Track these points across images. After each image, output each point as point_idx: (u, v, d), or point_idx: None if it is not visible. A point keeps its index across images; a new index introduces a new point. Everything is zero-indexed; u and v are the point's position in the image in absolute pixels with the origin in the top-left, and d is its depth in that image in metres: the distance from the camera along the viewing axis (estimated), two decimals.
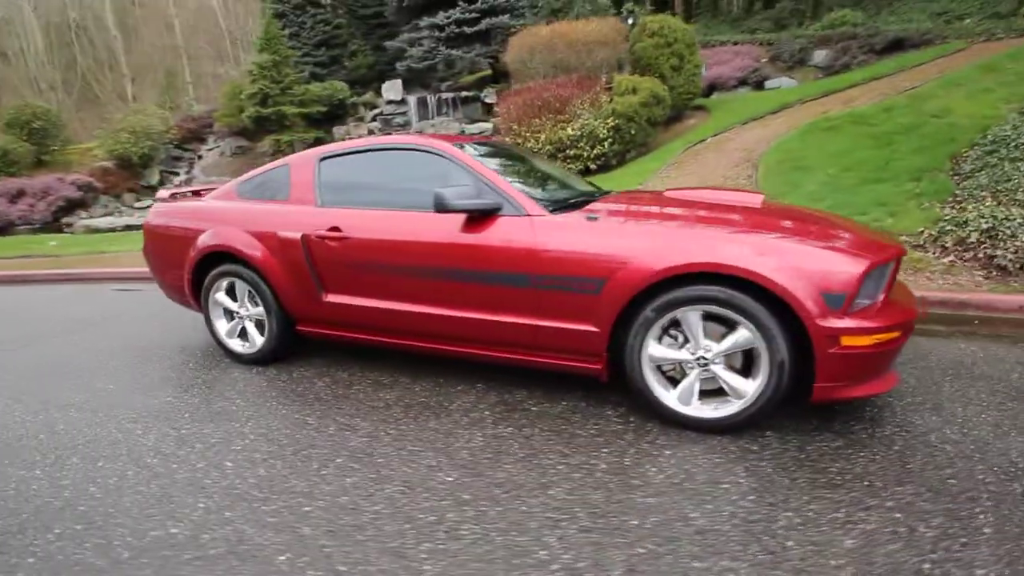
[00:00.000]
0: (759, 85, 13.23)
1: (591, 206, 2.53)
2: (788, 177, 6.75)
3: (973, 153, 5.91)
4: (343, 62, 18.84)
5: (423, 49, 16.05)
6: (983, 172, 5.40)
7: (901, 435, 2.14)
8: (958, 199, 5.31)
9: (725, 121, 9.82)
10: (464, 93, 16.05)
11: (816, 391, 2.07)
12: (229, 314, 3.31)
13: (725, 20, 17.17)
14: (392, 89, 16.02)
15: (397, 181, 2.84)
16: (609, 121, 8.97)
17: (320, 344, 3.44)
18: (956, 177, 5.79)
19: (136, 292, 5.55)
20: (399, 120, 15.82)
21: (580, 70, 10.56)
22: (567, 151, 9.22)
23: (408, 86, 16.99)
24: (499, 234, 2.43)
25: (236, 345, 3.30)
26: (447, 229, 2.56)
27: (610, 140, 9.05)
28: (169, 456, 2.25)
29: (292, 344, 3.22)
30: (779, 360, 2.04)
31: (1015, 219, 4.36)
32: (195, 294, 3.34)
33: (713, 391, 2.25)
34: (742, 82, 13.49)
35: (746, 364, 2.20)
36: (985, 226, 4.28)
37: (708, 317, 2.16)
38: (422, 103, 15.70)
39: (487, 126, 13.70)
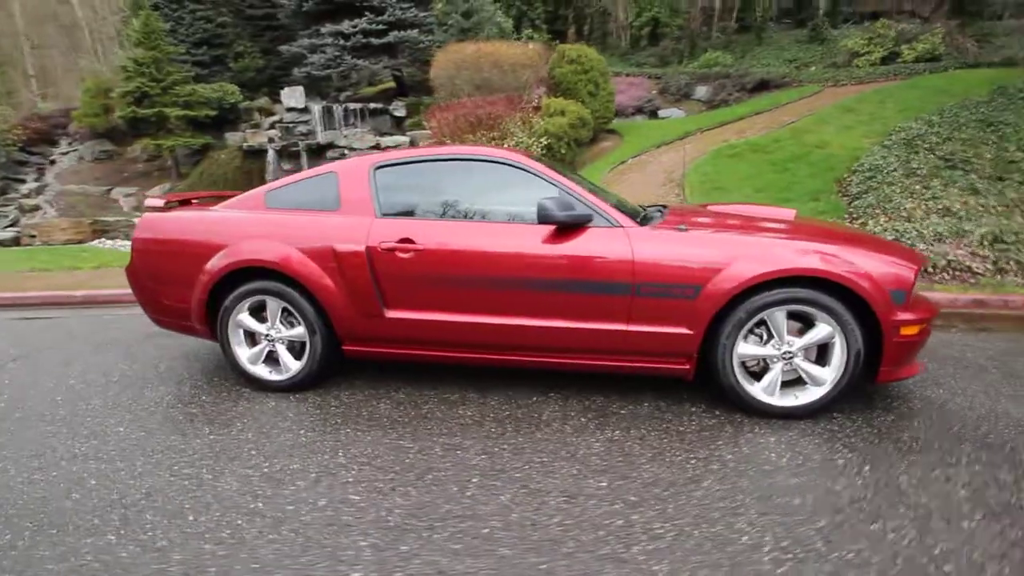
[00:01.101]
0: (653, 114, 14.63)
1: (668, 219, 2.73)
2: (712, 196, 7.60)
3: (855, 179, 7.15)
4: (227, 63, 17.31)
5: (326, 56, 15.35)
6: (869, 194, 6.57)
7: (929, 404, 2.60)
8: (854, 216, 6.43)
9: (638, 145, 10.73)
10: (372, 105, 15.59)
11: (881, 374, 2.45)
12: (251, 337, 2.96)
13: (615, 53, 18.72)
14: (293, 96, 15.05)
15: (467, 191, 2.80)
16: (542, 140, 9.35)
17: (340, 367, 3.19)
18: (845, 198, 6.98)
19: (55, 319, 4.63)
20: (301, 129, 14.87)
21: (505, 90, 10.88)
22: None
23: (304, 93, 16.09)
24: (595, 244, 2.52)
25: (262, 372, 2.96)
26: (531, 239, 2.59)
27: (541, 159, 9.40)
28: (274, 497, 1.99)
29: (333, 368, 2.97)
30: (856, 350, 2.39)
31: (910, 231, 5.41)
32: (206, 317, 2.94)
33: (788, 382, 2.54)
34: (638, 110, 14.82)
35: (819, 356, 2.52)
36: (890, 238, 5.24)
37: (788, 316, 2.46)
38: (327, 112, 14.95)
39: (404, 139, 13.45)
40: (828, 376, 2.45)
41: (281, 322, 2.90)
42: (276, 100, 16.18)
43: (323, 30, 15.08)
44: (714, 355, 2.51)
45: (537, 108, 9.93)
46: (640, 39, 18.50)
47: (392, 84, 18.08)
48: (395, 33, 15.32)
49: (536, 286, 2.58)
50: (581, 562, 1.63)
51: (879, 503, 1.89)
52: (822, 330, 2.42)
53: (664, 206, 3.20)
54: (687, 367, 2.58)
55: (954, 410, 2.57)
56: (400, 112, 16.09)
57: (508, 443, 2.35)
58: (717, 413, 2.59)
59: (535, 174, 2.71)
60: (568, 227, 2.55)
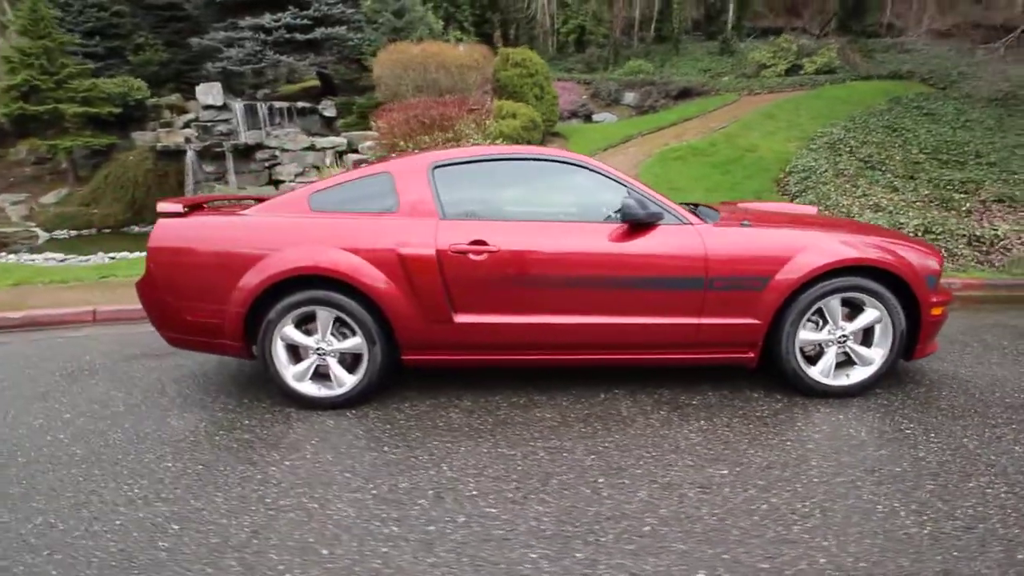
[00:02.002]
0: (588, 118, 15.13)
1: (726, 216, 2.87)
2: (670, 196, 8.01)
3: (792, 179, 7.85)
4: (126, 56, 15.61)
5: (244, 51, 14.32)
6: (808, 192, 7.25)
7: (945, 377, 2.95)
8: None
9: (584, 147, 11.04)
10: (300, 104, 14.75)
11: (916, 352, 2.74)
12: (294, 352, 2.72)
13: (543, 58, 19.11)
14: (210, 93, 13.83)
15: (529, 191, 2.77)
16: (497, 142, 9.35)
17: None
18: (786, 196, 7.67)
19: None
20: (221, 128, 13.70)
21: (452, 91, 10.76)
22: None
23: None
24: (671, 241, 2.60)
25: (311, 389, 2.72)
26: (602, 238, 2.61)
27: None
28: (405, 519, 1.85)
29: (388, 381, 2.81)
30: (900, 330, 2.66)
31: None
32: (244, 333, 2.65)
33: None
34: (573, 114, 15.24)
35: (864, 339, 2.77)
36: None
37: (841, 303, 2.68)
38: (250, 111, 13.91)
39: (340, 140, 12.84)
40: (877, 356, 2.70)
41: (334, 334, 2.70)
42: (188, 97, 14.84)
43: (241, 23, 14.06)
44: (777, 342, 2.68)
45: (487, 110, 9.92)
46: (567, 45, 19.06)
47: (316, 82, 17.25)
48: (322, 29, 14.63)
49: (610, 284, 2.61)
50: (758, 547, 1.68)
51: (962, 464, 2.12)
52: (871, 314, 2.66)
53: (697, 204, 3.35)
54: (752, 355, 2.73)
55: (967, 379, 2.93)
56: (330, 112, 15.38)
57: (608, 441, 2.36)
58: (779, 397, 2.76)
59: (601, 174, 2.73)
60: (643, 225, 2.60)
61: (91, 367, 3.43)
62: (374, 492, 2.02)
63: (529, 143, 10.13)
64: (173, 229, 2.70)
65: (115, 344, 3.88)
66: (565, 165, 2.77)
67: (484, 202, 2.73)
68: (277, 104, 14.56)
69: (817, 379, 2.71)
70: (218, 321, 2.66)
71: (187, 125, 13.79)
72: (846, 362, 2.76)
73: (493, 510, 1.90)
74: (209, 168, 12.84)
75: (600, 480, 2.07)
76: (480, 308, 2.64)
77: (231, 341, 2.70)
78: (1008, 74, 10.22)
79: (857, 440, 2.32)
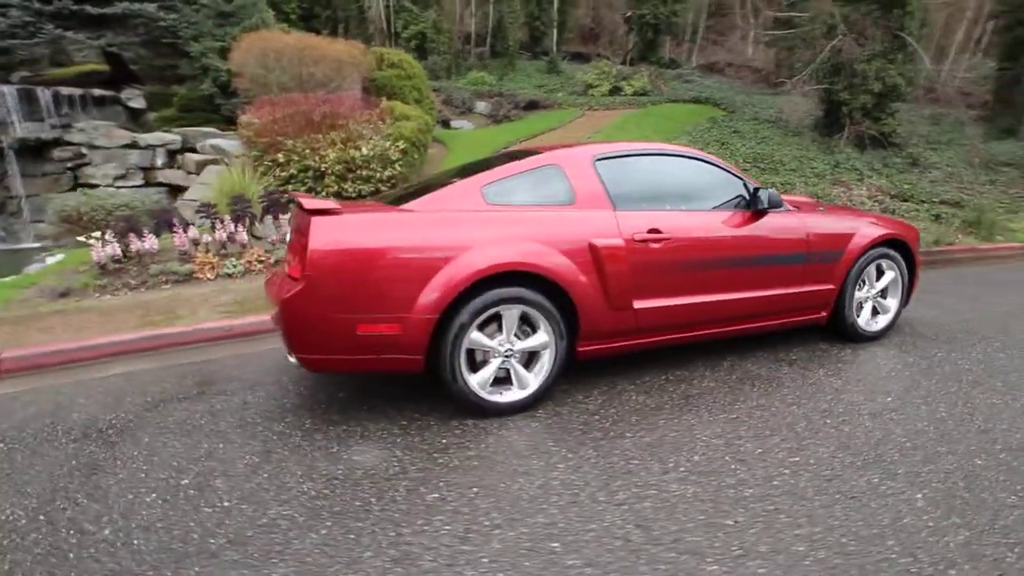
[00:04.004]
0: (446, 124, 15.29)
1: (802, 202, 3.51)
2: None
3: None
4: None
5: (7, 21, 11.03)
6: None
7: (930, 318, 4.07)
8: None
9: (469, 152, 11.27)
10: (98, 92, 11.88)
11: (910, 298, 3.74)
12: (471, 359, 2.52)
13: None
14: None
15: (674, 183, 3.02)
16: (399, 144, 9.04)
17: None
18: None
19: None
20: None
21: (327, 87, 9.97)
22: (359, 171, 8.75)
23: None
24: (784, 223, 3.13)
25: (494, 396, 2.55)
26: (739, 224, 3.02)
27: (400, 163, 9.12)
28: (810, 501, 1.99)
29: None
30: (905, 284, 3.61)
31: None
32: (429, 342, 2.37)
33: None
34: None
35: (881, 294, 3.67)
36: None
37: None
38: (26, 98, 10.71)
39: (173, 137, 10.73)
40: (893, 305, 3.62)
41: (516, 333, 2.57)
42: None
43: None
44: (841, 302, 3.41)
45: (384, 111, 9.48)
46: (407, 51, 18.86)
47: (97, 66, 14.08)
48: (124, 4, 12.08)
49: (746, 262, 3.04)
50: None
51: (991, 381, 3.03)
52: (889, 275, 3.57)
53: None
54: (825, 315, 3.42)
55: (944, 319, 4.03)
56: (137, 103, 12.79)
57: (799, 405, 2.73)
58: (842, 346, 3.49)
59: (723, 168, 3.13)
60: (763, 212, 3.07)
61: (123, 427, 2.58)
62: (684, 468, 2.09)
63: (425, 146, 9.97)
64: (340, 229, 2.26)
65: (90, 398, 2.93)
66: (697, 161, 3.10)
67: (641, 193, 2.89)
68: (65, 91, 11.55)
69: (863, 327, 3.52)
70: (397, 332, 2.32)
71: None
72: (874, 312, 3.64)
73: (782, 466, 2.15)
74: None
75: (839, 457, 2.46)
76: (654, 293, 2.80)
77: (410, 354, 2.38)
78: (776, 103, 13.55)
79: (922, 376, 3.15)
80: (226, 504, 1.93)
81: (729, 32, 25.84)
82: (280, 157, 8.37)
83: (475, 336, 2.45)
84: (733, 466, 2.10)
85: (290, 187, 8.48)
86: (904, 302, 3.68)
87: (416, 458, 2.21)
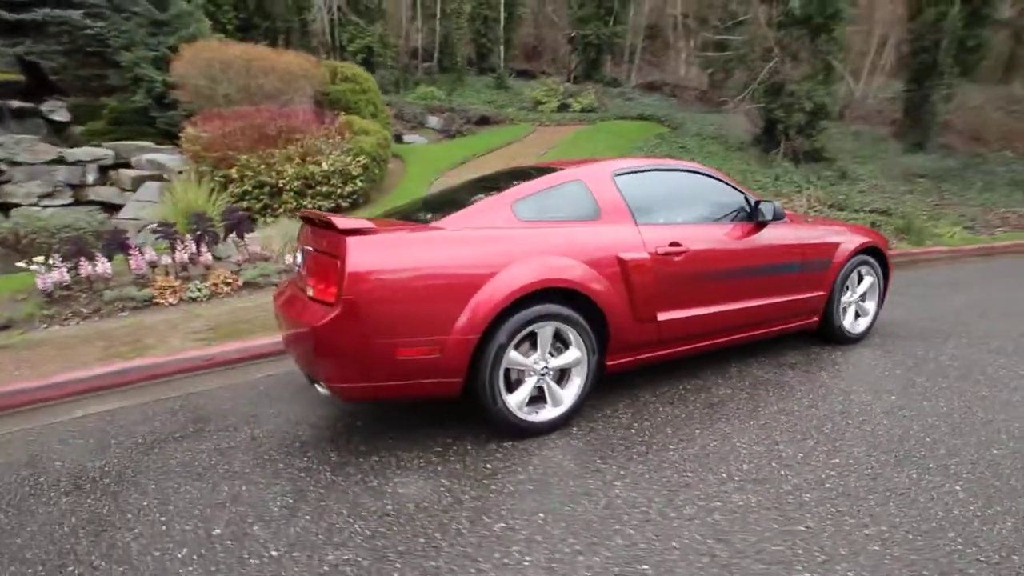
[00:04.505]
0: (399, 139, 15.06)
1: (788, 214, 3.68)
2: None
3: None
4: None
5: None
6: None
7: (903, 309, 4.37)
8: None
9: (429, 167, 11.15)
10: (16, 104, 10.83)
11: (884, 300, 4.02)
12: (507, 379, 2.45)
13: None
14: None
15: (684, 198, 3.09)
16: (360, 159, 8.82)
17: None
18: None
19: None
20: None
21: (278, 100, 9.59)
22: (318, 187, 8.44)
23: None
24: (780, 234, 3.27)
25: (531, 415, 2.49)
26: (743, 236, 3.14)
27: (362, 178, 8.89)
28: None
29: None
30: (883, 287, 3.87)
31: None
32: (468, 363, 2.29)
33: None
34: None
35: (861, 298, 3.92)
36: None
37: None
38: None
39: (105, 152, 9.90)
40: (871, 307, 3.87)
41: (550, 351, 2.53)
42: None
43: None
44: (830, 307, 3.60)
45: (343, 126, 9.21)
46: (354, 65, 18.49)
47: (14, 75, 12.90)
48: (45, 10, 11.15)
49: (752, 272, 3.15)
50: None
51: (973, 375, 3.31)
52: (868, 280, 3.82)
53: None
54: (816, 320, 3.60)
55: (910, 319, 4.35)
56: (61, 116, 11.78)
57: (817, 407, 2.85)
58: (815, 350, 3.69)
59: (727, 183, 3.25)
60: (764, 223, 3.20)
61: (120, 474, 2.31)
62: (738, 477, 2.12)
63: (385, 161, 9.78)
64: (378, 249, 2.15)
65: (67, 444, 2.63)
66: (703, 176, 3.19)
67: (657, 207, 2.94)
68: None
69: (850, 331, 3.73)
70: (437, 355, 2.23)
71: None
72: (856, 315, 3.87)
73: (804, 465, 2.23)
74: None
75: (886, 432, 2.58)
76: (676, 305, 2.85)
77: (449, 378, 2.28)
78: (715, 121, 14.33)
79: (924, 369, 3.38)
80: (274, 554, 1.75)
81: (663, 53, 27.24)
82: (233, 172, 7.96)
83: (512, 355, 2.39)
84: (782, 472, 2.15)
85: (244, 204, 8.07)
86: (880, 304, 3.94)
87: (465, 486, 2.11)
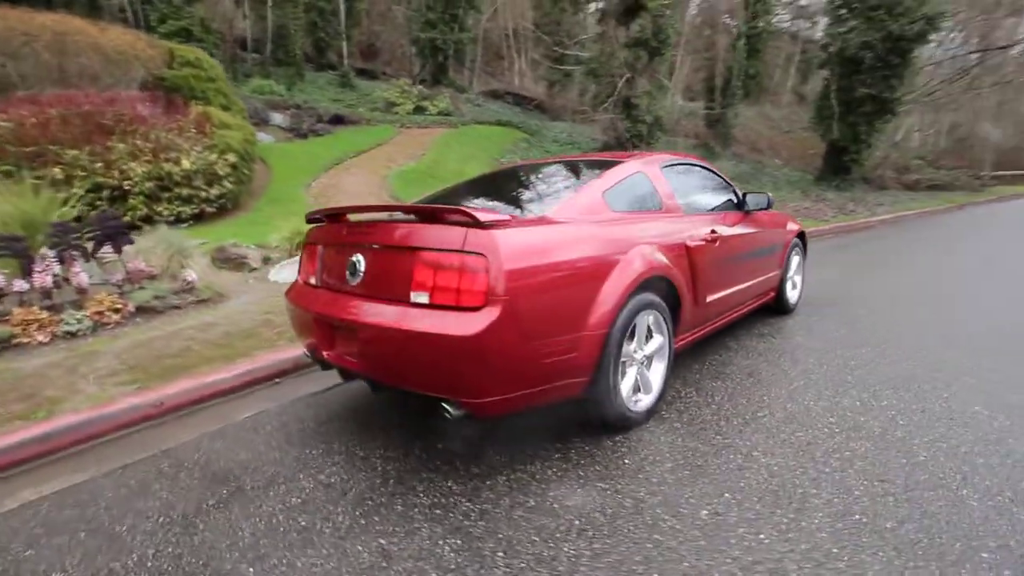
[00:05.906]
0: None
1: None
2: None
3: None
4: None
5: None
6: None
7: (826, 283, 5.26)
8: None
9: (294, 168, 10.05)
10: None
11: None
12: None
13: None
14: None
15: (700, 189, 3.35)
16: (228, 157, 7.63)
17: None
18: None
19: None
20: None
21: (98, 84, 7.80)
22: (177, 190, 7.11)
23: None
24: (763, 222, 3.75)
25: (634, 405, 2.49)
26: (745, 222, 3.53)
27: (231, 178, 7.71)
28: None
29: None
30: (803, 263, 4.68)
31: None
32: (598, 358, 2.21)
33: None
34: None
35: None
36: None
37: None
38: None
39: None
40: (799, 281, 4.64)
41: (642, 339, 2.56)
42: None
43: None
44: (783, 284, 4.23)
45: (203, 119, 7.82)
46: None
47: None
48: None
49: (754, 255, 3.59)
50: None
51: (924, 340, 4.18)
52: (797, 259, 4.56)
53: None
54: (774, 295, 4.19)
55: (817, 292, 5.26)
56: None
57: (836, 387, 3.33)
58: (769, 321, 4.33)
59: (722, 178, 3.60)
60: (751, 213, 3.63)
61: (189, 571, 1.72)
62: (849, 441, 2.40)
63: (253, 159, 8.62)
64: (523, 243, 1.93)
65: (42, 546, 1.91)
66: (708, 171, 3.49)
67: (688, 198, 3.12)
68: None
69: (792, 300, 4.43)
70: (574, 355, 2.11)
71: None
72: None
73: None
74: None
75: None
76: (715, 287, 3.09)
77: (580, 377, 2.18)
78: (563, 128, 15.51)
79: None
80: None
81: (496, 63, 28.46)
82: (58, 172, 6.28)
83: (625, 347, 2.36)
84: (882, 430, 2.49)
85: (73, 211, 6.38)
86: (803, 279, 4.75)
87: (627, 486, 2.03)
